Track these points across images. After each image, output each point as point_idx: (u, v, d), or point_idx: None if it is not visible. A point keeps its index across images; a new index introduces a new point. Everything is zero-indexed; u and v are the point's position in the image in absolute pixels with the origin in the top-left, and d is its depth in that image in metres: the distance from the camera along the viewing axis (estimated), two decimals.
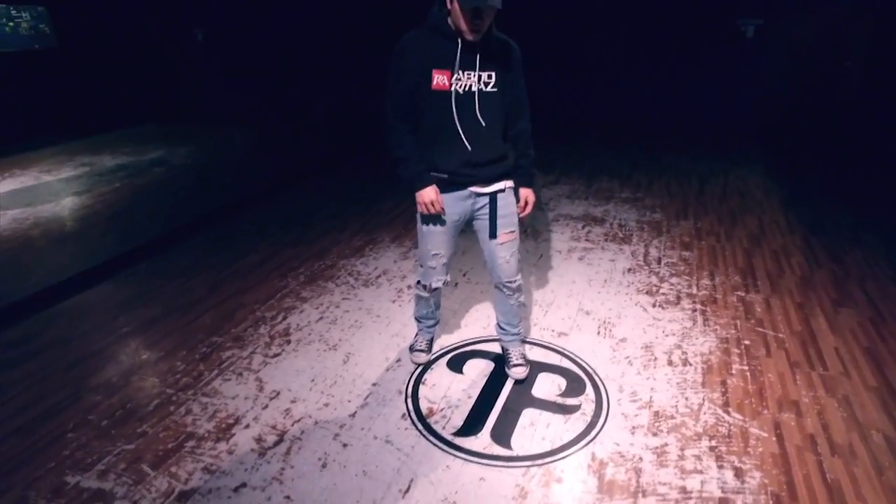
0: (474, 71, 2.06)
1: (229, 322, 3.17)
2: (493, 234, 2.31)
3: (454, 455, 2.19)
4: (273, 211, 4.99)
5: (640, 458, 2.16)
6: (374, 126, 8.28)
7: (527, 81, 2.25)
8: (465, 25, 1.95)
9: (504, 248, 2.34)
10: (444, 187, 2.22)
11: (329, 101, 9.42)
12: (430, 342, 2.78)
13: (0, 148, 7.32)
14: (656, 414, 2.38)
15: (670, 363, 2.71)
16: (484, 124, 2.13)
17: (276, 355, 2.85)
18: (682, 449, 2.20)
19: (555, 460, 2.15)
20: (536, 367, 2.69)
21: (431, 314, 2.68)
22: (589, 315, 3.14)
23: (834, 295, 3.28)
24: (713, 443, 2.22)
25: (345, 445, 2.25)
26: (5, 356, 2.95)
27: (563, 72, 7.56)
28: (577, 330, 3.00)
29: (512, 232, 2.33)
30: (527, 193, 2.33)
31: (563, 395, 2.51)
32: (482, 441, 2.26)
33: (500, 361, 2.73)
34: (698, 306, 3.20)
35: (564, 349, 2.83)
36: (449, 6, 1.98)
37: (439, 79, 2.04)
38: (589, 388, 2.55)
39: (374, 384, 2.61)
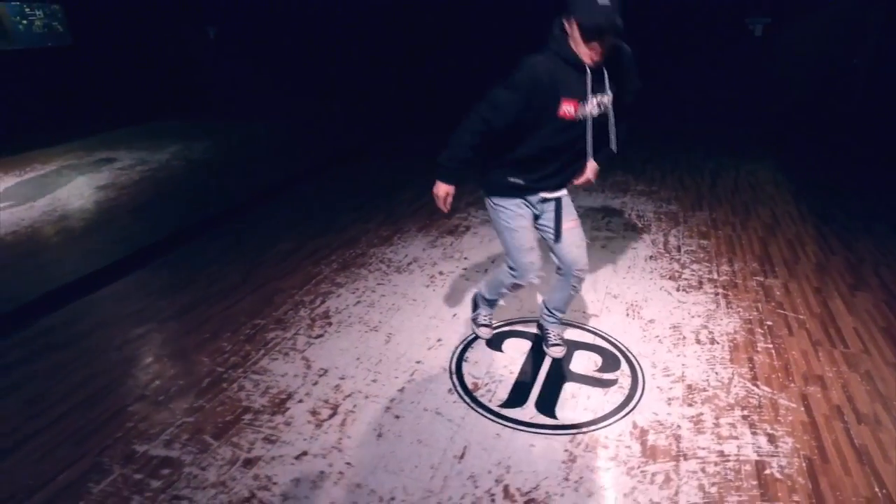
0: (596, 95, 2.06)
1: (269, 306, 3.28)
2: (557, 237, 2.39)
3: (503, 424, 2.31)
4: (296, 202, 5.09)
5: (679, 426, 2.28)
6: (390, 118, 8.42)
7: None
8: (587, 51, 1.94)
9: (573, 235, 2.40)
10: (515, 192, 2.31)
11: (344, 94, 9.53)
12: (492, 318, 2.93)
13: (19, 143, 7.40)
14: (689, 387, 2.51)
15: (698, 342, 2.84)
16: (589, 149, 2.19)
17: (319, 336, 2.97)
18: (716, 418, 2.33)
19: (598, 428, 2.28)
20: (572, 346, 2.81)
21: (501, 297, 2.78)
22: (616, 298, 3.26)
23: (850, 280, 3.42)
24: (745, 412, 2.35)
25: (397, 417, 2.37)
26: (55, 338, 3.05)
27: None
28: (607, 312, 3.13)
29: (575, 219, 2.41)
30: (591, 165, 2.29)
31: (600, 370, 2.64)
32: (528, 412, 2.38)
33: (538, 340, 2.85)
34: (720, 290, 3.33)
35: (597, 329, 2.96)
36: (568, 30, 1.95)
37: (566, 108, 2.02)
38: (624, 364, 2.67)
39: (417, 362, 2.73)
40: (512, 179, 2.27)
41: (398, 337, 2.94)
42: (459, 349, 2.81)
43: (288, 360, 2.77)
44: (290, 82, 9.63)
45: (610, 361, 2.70)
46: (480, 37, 8.32)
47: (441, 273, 3.63)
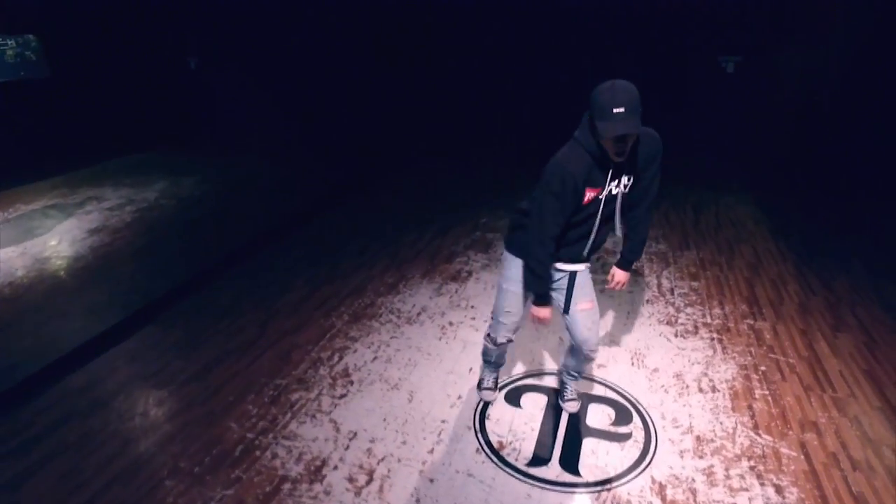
0: (617, 180, 2.16)
1: (288, 364, 3.37)
2: (566, 310, 2.50)
3: (532, 484, 2.46)
4: (299, 245, 5.17)
5: (693, 480, 2.47)
6: (387, 152, 8.50)
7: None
8: (611, 150, 2.02)
9: (585, 316, 2.48)
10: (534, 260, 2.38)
11: (340, 123, 9.62)
12: (496, 380, 3.04)
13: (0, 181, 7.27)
14: (698, 438, 2.71)
15: (701, 390, 3.05)
16: (608, 227, 2.30)
17: (342, 396, 3.07)
18: (726, 469, 2.52)
19: (621, 484, 2.45)
20: (586, 399, 2.99)
21: (499, 359, 2.92)
22: (620, 346, 3.46)
23: (830, 320, 3.69)
24: (752, 463, 2.55)
25: (432, 481, 2.49)
26: (78, 405, 3.08)
27: (552, 105, 7.95)
28: (614, 361, 3.31)
29: (591, 301, 2.49)
30: (620, 274, 2.52)
31: (615, 423, 2.82)
32: (553, 470, 2.54)
33: (553, 394, 3.02)
34: (714, 335, 3.56)
35: (606, 380, 3.14)
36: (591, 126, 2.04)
37: (590, 195, 2.15)
38: (636, 417, 2.86)
39: (442, 421, 2.86)
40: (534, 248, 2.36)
41: (420, 395, 3.07)
42: (480, 406, 2.96)
43: (316, 424, 2.87)
44: (279, 112, 9.69)
45: (623, 415, 2.88)
46: (466, 66, 8.55)
47: (451, 323, 3.77)
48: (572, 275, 2.46)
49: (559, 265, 2.42)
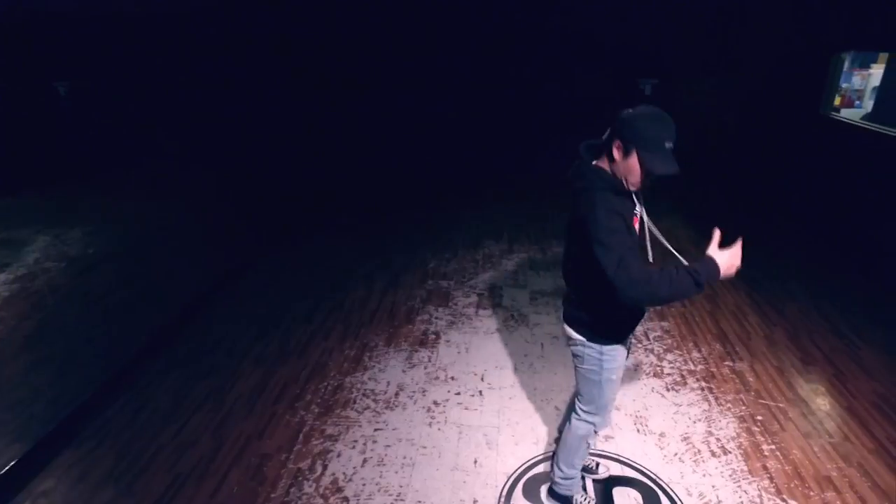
0: (639, 204, 2.10)
1: (263, 484, 2.85)
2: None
3: None
4: (234, 313, 4.54)
5: None
6: (315, 195, 7.79)
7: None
8: (636, 180, 1.93)
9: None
10: (623, 335, 2.26)
11: (248, 167, 8.74)
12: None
13: None
14: None
15: (713, 454, 2.98)
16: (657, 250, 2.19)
17: None
18: None
19: None
20: (608, 483, 2.80)
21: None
22: (620, 411, 3.32)
23: (798, 354, 3.83)
24: None
25: None
26: None
27: (478, 135, 7.85)
28: (619, 430, 3.17)
29: None
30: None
31: None
32: None
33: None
34: (703, 384, 3.54)
35: (621, 456, 2.98)
36: (617, 155, 1.91)
37: (637, 226, 2.05)
38: (664, 499, 2.71)
39: None
40: (629, 320, 2.22)
41: None
42: None
43: None
44: (178, 147, 8.67)
45: (649, 497, 2.72)
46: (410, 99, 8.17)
47: (436, 403, 3.43)
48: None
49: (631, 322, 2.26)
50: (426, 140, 8.27)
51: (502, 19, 7.21)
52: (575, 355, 2.34)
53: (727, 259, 1.94)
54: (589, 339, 2.23)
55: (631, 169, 1.91)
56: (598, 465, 2.88)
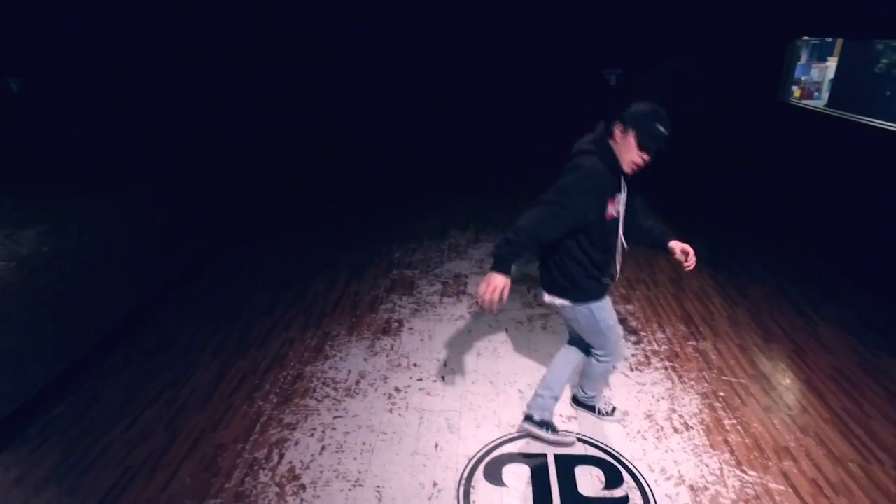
0: (624, 193, 2.37)
1: (217, 475, 2.75)
2: None
3: None
4: (192, 308, 4.40)
5: None
6: (277, 188, 7.65)
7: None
8: (632, 161, 2.24)
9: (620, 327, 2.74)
10: (603, 291, 2.54)
11: (208, 160, 8.54)
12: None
13: None
14: (692, 488, 2.60)
15: (676, 430, 2.97)
16: (620, 240, 2.46)
17: None
18: None
19: None
20: (570, 461, 2.77)
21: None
22: None
23: (759, 332, 3.86)
24: None
25: None
26: None
27: (445, 127, 7.82)
28: (581, 411, 3.14)
29: None
30: (681, 244, 2.63)
31: (608, 487, 2.62)
32: None
33: (532, 460, 2.77)
34: (667, 363, 3.54)
35: (584, 435, 2.95)
36: (619, 138, 2.23)
37: (612, 209, 2.32)
38: (626, 475, 2.69)
39: None
40: (604, 280, 2.50)
41: (389, 489, 2.64)
42: (462, 493, 2.61)
43: None
44: (132, 140, 8.42)
45: (612, 475, 2.70)
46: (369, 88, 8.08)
47: (397, 390, 3.36)
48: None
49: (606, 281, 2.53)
50: (392, 132, 8.21)
51: (464, 14, 7.19)
52: (569, 319, 2.63)
53: (497, 282, 2.28)
54: (575, 302, 2.50)
55: (629, 146, 2.22)
56: (613, 409, 3.09)
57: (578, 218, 2.26)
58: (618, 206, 2.36)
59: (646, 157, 2.23)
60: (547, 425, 2.85)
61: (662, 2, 6.93)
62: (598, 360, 2.75)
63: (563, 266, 2.44)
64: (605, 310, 2.56)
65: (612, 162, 2.26)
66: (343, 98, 7.98)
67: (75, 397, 3.38)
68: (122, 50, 8.05)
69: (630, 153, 2.23)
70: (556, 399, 2.85)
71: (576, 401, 3.12)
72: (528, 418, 2.88)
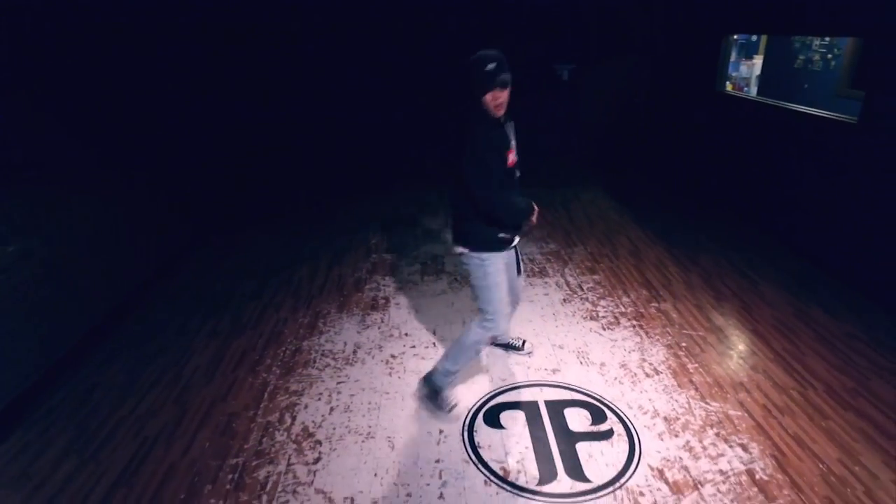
0: (514, 142, 2.66)
1: (234, 438, 2.92)
2: (519, 272, 3.04)
3: (552, 501, 2.48)
4: (180, 297, 4.49)
5: (681, 458, 2.72)
6: (253, 181, 7.64)
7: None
8: (499, 102, 2.45)
9: (522, 277, 3.15)
10: (502, 245, 2.74)
11: (178, 148, 8.40)
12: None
13: None
14: (666, 419, 2.98)
15: (647, 375, 3.36)
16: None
17: (317, 460, 2.76)
18: (700, 441, 2.82)
19: (627, 479, 2.59)
20: (559, 405, 3.09)
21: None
22: (563, 349, 3.64)
23: (712, 293, 4.33)
24: (715, 430, 2.89)
25: None
26: None
27: (413, 120, 8.04)
28: (565, 364, 3.48)
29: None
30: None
31: (594, 423, 2.97)
32: (564, 483, 2.59)
33: (524, 406, 3.08)
34: (634, 322, 3.94)
35: (569, 384, 3.29)
36: (484, 99, 2.45)
37: (511, 157, 2.61)
38: (609, 413, 3.04)
39: (437, 461, 2.73)
40: (502, 235, 2.71)
41: (400, 438, 2.89)
42: (467, 437, 2.88)
43: (302, 499, 2.54)
44: (106, 135, 8.19)
45: (597, 413, 3.04)
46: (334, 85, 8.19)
47: (393, 356, 3.61)
48: (517, 247, 2.92)
49: (510, 235, 2.76)
50: (362, 125, 8.37)
51: (423, 5, 7.41)
52: (467, 271, 2.82)
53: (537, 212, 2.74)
54: (472, 250, 2.73)
55: (488, 101, 2.45)
56: (523, 343, 3.55)
57: (500, 168, 2.55)
58: (514, 157, 2.64)
59: (498, 93, 2.43)
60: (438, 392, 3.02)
61: (610, 4, 7.43)
62: (478, 325, 2.83)
63: (467, 215, 2.68)
64: (496, 265, 2.72)
65: (492, 117, 2.50)
66: (310, 94, 8.08)
67: (72, 386, 3.45)
68: (92, 48, 7.87)
69: (493, 103, 2.45)
70: (456, 375, 3.02)
71: (426, 379, 3.06)
72: (427, 380, 3.06)
